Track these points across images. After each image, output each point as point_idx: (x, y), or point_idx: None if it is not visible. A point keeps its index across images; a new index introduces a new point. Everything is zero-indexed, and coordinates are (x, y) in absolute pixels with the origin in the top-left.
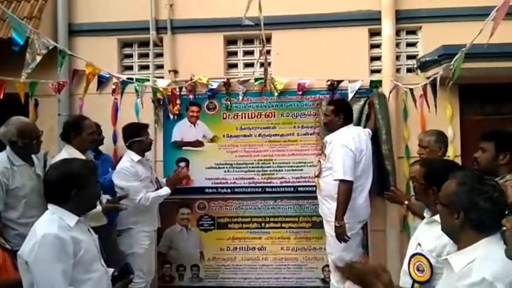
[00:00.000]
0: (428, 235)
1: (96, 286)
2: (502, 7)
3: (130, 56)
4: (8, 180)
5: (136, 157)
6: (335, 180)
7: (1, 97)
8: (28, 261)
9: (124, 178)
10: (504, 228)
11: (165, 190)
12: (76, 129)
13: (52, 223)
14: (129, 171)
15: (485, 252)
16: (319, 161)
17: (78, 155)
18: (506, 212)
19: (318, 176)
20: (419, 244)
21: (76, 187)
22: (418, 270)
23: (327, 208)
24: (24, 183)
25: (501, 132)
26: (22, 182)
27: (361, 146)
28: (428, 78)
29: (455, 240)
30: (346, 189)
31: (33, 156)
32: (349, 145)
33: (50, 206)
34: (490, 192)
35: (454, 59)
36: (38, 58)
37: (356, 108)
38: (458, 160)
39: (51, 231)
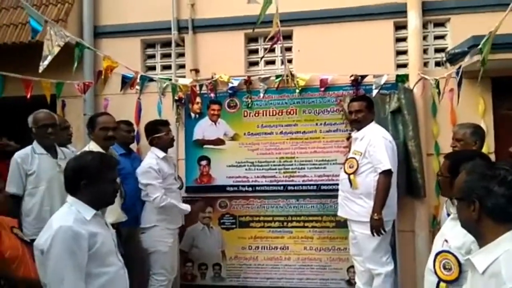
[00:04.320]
0: (455, 231)
1: (112, 281)
2: None
3: (153, 56)
4: (26, 165)
5: (161, 154)
6: (381, 172)
7: (28, 96)
8: (43, 253)
9: (147, 176)
10: None
11: (186, 207)
12: (91, 125)
13: (69, 215)
14: (153, 169)
15: (510, 248)
16: (352, 158)
17: (98, 149)
18: None
19: (353, 173)
20: (446, 241)
21: (85, 179)
22: (444, 268)
23: (362, 207)
24: (43, 170)
25: None
26: (40, 168)
27: (393, 140)
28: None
29: (476, 235)
30: (388, 181)
31: (59, 149)
32: (388, 137)
33: (69, 198)
34: (503, 175)
35: (479, 47)
36: (56, 50)
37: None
38: (492, 158)
39: (66, 224)
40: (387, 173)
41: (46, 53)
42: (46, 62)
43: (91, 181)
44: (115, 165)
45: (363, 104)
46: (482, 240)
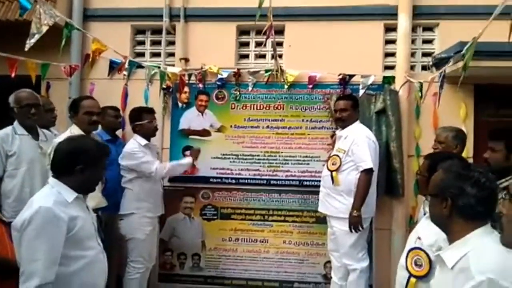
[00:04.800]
0: (429, 229)
1: (91, 264)
2: None
3: (142, 43)
4: (7, 145)
5: (143, 141)
6: (363, 170)
7: (13, 75)
8: (20, 232)
9: (133, 158)
10: (501, 213)
11: (188, 160)
12: (74, 109)
13: (49, 197)
14: (138, 151)
15: (478, 244)
16: (335, 155)
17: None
18: (503, 197)
19: (336, 170)
20: (419, 238)
21: (83, 163)
22: (416, 264)
23: (342, 204)
24: (24, 151)
25: (511, 131)
26: (21, 150)
27: (376, 141)
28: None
29: (445, 230)
30: (369, 179)
31: (40, 131)
32: (371, 137)
33: (50, 179)
34: (476, 177)
35: (462, 52)
36: (44, 29)
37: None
38: (470, 162)
39: (46, 205)
40: (368, 172)
41: (34, 31)
42: (33, 40)
43: (87, 166)
44: (108, 154)
45: (348, 103)
46: (451, 235)
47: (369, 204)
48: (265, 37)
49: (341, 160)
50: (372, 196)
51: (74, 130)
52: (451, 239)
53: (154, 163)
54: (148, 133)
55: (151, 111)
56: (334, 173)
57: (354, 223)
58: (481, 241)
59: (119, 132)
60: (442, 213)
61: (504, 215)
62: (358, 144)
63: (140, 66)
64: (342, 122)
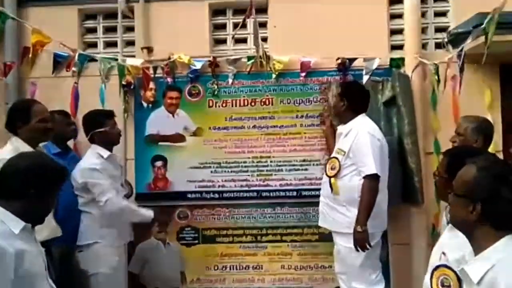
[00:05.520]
0: (454, 242)
1: None
2: None
3: (93, 30)
4: None
5: (106, 153)
6: (366, 176)
7: None
8: None
9: (92, 175)
10: None
11: (148, 214)
12: (23, 116)
13: None
14: (98, 169)
15: (507, 255)
16: (334, 158)
17: (27, 149)
18: None
19: (335, 176)
20: (444, 254)
21: (36, 187)
22: (443, 285)
23: (345, 217)
24: None
25: None
26: None
27: (384, 138)
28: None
29: (468, 237)
30: (375, 187)
31: None
32: (375, 134)
33: None
34: None
35: (482, 26)
36: None
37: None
38: (500, 156)
39: None
40: (372, 178)
41: None
42: None
43: (40, 192)
44: (66, 177)
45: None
46: (476, 244)
47: (378, 215)
48: (244, 16)
49: (340, 163)
50: (382, 205)
51: (18, 144)
52: (476, 248)
53: (109, 192)
54: (110, 142)
55: (111, 115)
56: (332, 179)
57: (360, 240)
58: (510, 251)
59: (70, 143)
60: (468, 217)
61: None
62: (359, 143)
63: (92, 60)
64: (336, 118)
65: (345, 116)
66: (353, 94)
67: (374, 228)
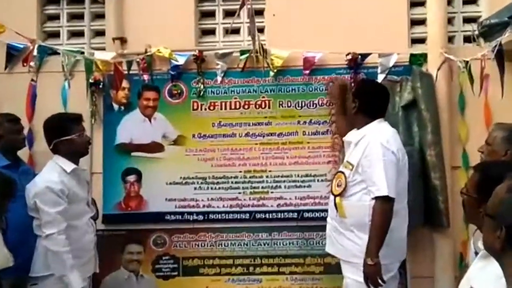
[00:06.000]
0: (485, 274)
1: None
2: None
3: (56, 18)
4: None
5: (69, 166)
6: (374, 198)
7: None
8: None
9: (41, 199)
10: None
11: (77, 285)
12: None
13: None
14: (52, 190)
15: None
16: (340, 172)
17: None
18: None
19: (340, 195)
20: None
21: None
22: None
23: (355, 244)
24: None
25: None
26: None
27: (402, 149)
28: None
29: (500, 265)
30: (388, 210)
31: None
32: (389, 145)
33: None
34: None
35: None
36: None
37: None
38: None
39: None
40: (384, 200)
41: None
42: None
43: None
44: (12, 191)
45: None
46: (505, 273)
47: (395, 243)
48: (238, 2)
49: (347, 179)
50: (399, 230)
51: None
52: (508, 277)
53: (51, 226)
54: (78, 152)
55: (79, 119)
56: (337, 198)
57: (371, 274)
58: None
59: (23, 153)
60: (494, 242)
61: None
62: (369, 157)
63: (54, 53)
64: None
65: (357, 120)
66: (368, 94)
67: (390, 258)
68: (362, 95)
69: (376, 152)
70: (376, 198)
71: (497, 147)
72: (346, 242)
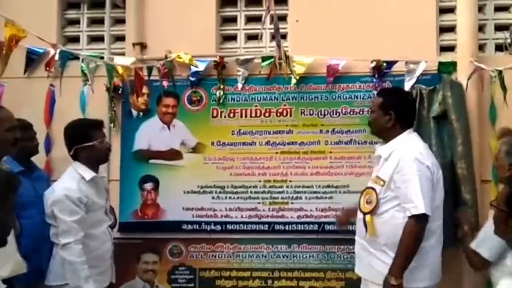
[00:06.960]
0: None
1: None
2: None
3: (76, 22)
4: None
5: (89, 174)
6: (411, 216)
7: None
8: None
9: (59, 207)
10: None
11: None
12: None
13: None
14: (70, 199)
15: None
16: (370, 188)
17: None
18: None
19: (371, 212)
20: None
21: None
22: None
23: (385, 265)
24: None
25: None
26: None
27: (436, 163)
28: None
29: None
30: (420, 230)
31: None
32: (423, 159)
33: None
34: None
35: None
36: None
37: None
38: None
39: None
40: (419, 219)
41: None
42: None
43: None
44: (17, 188)
45: (378, 101)
46: None
47: (432, 265)
48: (260, 7)
49: (378, 196)
50: (434, 251)
51: None
52: None
53: (68, 236)
54: (98, 159)
55: (100, 125)
56: (367, 216)
57: None
58: None
59: (40, 159)
60: None
61: None
62: (404, 173)
63: (73, 57)
64: (377, 133)
65: (392, 134)
66: (404, 104)
67: (427, 280)
68: (398, 105)
69: (409, 167)
70: (411, 216)
71: (501, 161)
72: (376, 263)
